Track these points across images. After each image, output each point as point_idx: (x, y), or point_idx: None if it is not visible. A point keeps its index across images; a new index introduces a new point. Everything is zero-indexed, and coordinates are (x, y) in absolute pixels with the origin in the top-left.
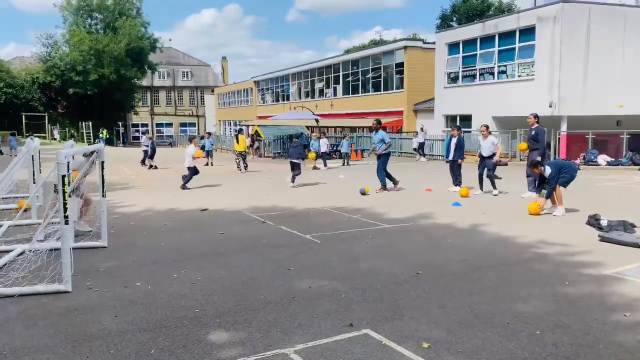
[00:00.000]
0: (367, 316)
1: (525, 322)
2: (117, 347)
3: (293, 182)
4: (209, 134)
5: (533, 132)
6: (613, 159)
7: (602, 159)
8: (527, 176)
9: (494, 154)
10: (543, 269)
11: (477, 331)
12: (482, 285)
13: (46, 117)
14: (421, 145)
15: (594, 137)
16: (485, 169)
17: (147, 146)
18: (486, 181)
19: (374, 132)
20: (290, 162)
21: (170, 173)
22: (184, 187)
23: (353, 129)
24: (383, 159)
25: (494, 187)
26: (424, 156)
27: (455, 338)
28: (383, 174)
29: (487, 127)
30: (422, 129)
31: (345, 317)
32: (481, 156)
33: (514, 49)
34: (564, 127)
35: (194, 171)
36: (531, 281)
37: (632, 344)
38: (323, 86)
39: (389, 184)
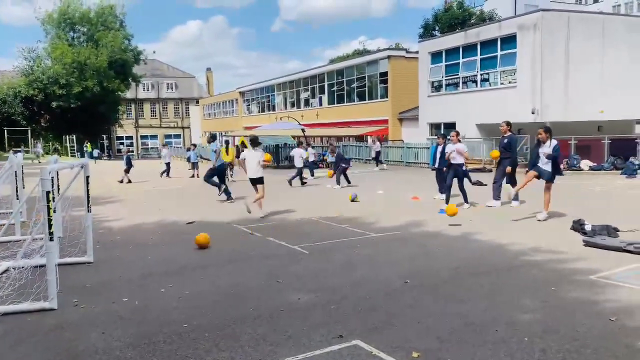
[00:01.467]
0: (357, 327)
1: (515, 328)
2: None
3: (339, 183)
4: (194, 145)
5: (505, 141)
6: (595, 164)
7: (585, 164)
8: (494, 182)
9: (462, 164)
10: (531, 275)
11: (467, 339)
12: (471, 293)
13: (29, 131)
14: (377, 155)
15: (576, 142)
16: (464, 180)
17: (167, 160)
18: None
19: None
20: (343, 166)
21: (155, 186)
22: (303, 183)
23: (339, 138)
24: (218, 168)
25: (465, 201)
26: (382, 163)
27: (445, 347)
28: (215, 181)
29: (457, 133)
30: (378, 139)
31: (335, 328)
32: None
33: (496, 57)
34: None
35: (300, 172)
36: (520, 288)
37: (619, 348)
38: (308, 96)
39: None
